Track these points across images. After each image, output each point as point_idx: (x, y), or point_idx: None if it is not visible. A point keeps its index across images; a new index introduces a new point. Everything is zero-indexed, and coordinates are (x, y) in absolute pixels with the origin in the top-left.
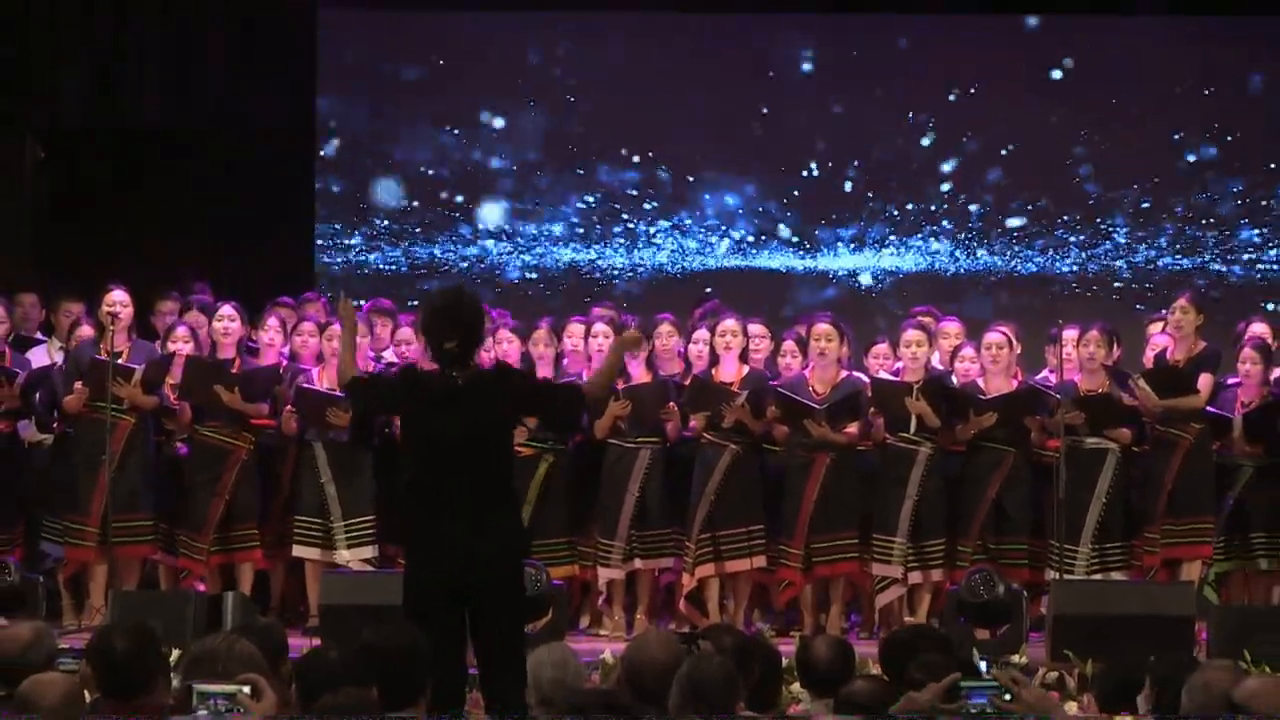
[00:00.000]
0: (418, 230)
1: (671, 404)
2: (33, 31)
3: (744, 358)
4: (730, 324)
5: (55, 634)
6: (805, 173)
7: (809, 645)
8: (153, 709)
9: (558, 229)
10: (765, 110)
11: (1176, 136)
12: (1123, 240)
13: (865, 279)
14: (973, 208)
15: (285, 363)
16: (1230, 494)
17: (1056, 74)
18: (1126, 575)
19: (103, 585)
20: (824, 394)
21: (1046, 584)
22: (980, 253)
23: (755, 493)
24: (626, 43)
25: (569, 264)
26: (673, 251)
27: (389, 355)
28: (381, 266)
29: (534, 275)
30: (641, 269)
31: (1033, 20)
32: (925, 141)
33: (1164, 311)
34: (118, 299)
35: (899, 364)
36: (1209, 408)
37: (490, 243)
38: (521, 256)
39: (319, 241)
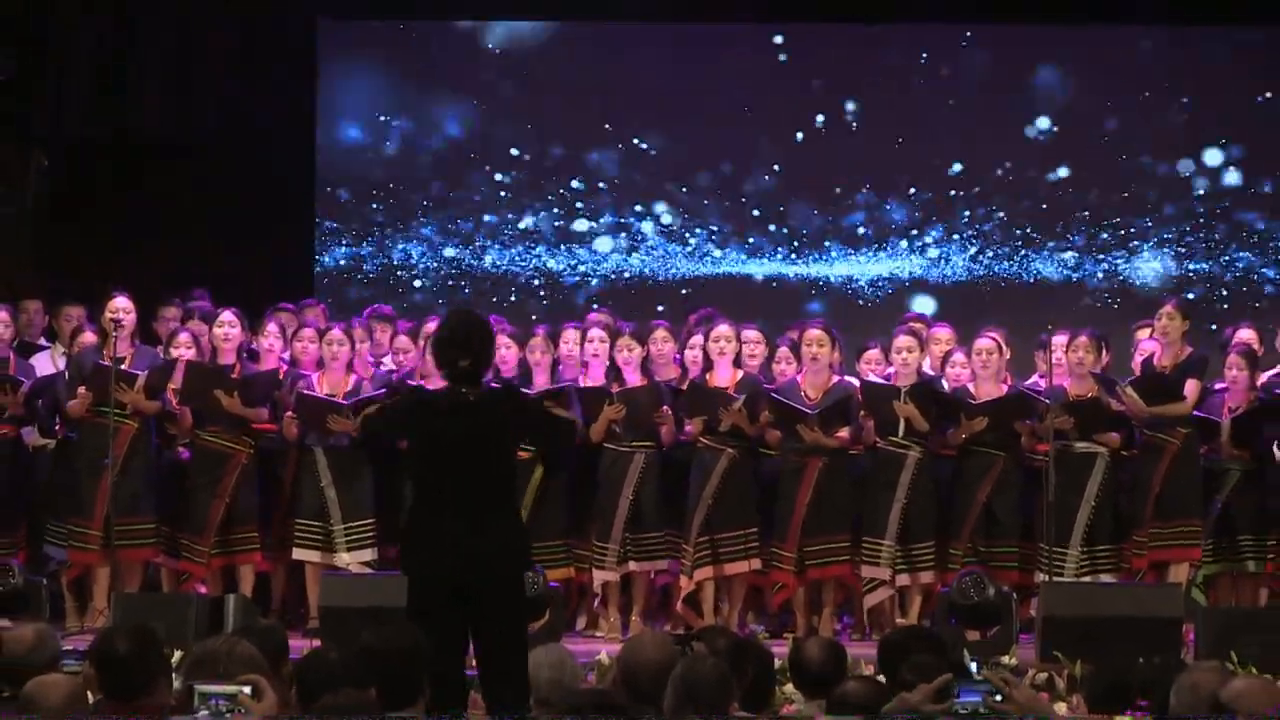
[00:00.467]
0: (416, 236)
1: (665, 408)
2: (37, 40)
3: (738, 363)
4: (724, 329)
5: (58, 636)
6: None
7: (801, 646)
8: (154, 709)
9: (555, 232)
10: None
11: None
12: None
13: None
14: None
15: (285, 368)
16: (1218, 498)
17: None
18: (1115, 577)
19: (105, 588)
20: (816, 399)
21: (1036, 586)
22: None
23: (751, 496)
24: (620, 48)
25: (562, 269)
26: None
27: (388, 362)
28: (381, 273)
29: (532, 280)
30: (633, 274)
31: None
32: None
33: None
34: (120, 306)
35: (891, 369)
36: (1196, 412)
37: (489, 248)
38: (520, 262)
39: (318, 247)
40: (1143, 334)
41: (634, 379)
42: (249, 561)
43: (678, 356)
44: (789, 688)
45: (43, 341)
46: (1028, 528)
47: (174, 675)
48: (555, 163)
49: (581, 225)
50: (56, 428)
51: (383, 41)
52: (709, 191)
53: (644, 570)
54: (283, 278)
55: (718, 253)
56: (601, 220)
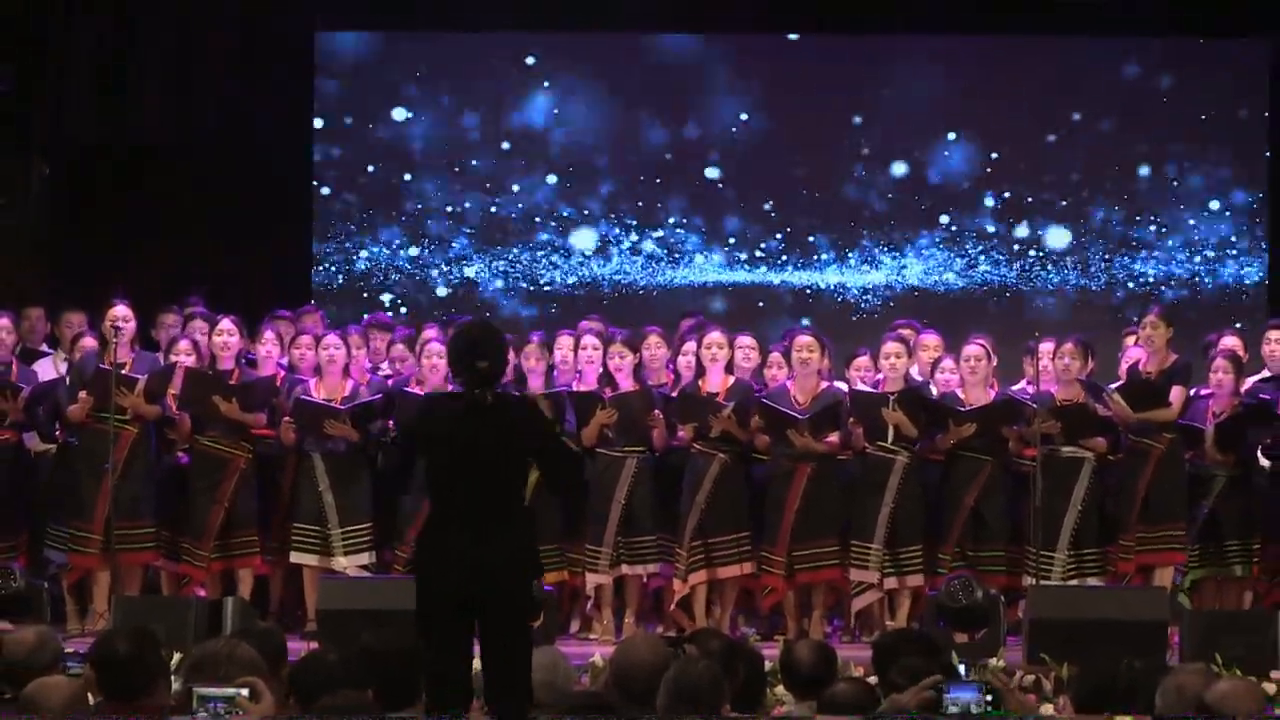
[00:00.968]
0: (412, 243)
1: (656, 412)
2: (36, 48)
3: (729, 369)
4: (716, 336)
5: (59, 638)
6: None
7: (792, 649)
8: (154, 710)
9: (549, 241)
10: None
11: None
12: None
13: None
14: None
15: (282, 374)
16: (1204, 503)
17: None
18: (1102, 581)
19: (106, 591)
20: (806, 404)
21: (1024, 589)
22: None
23: (743, 501)
24: (604, 60)
25: (559, 279)
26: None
27: (385, 369)
28: (378, 279)
29: (529, 288)
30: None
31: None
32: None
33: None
34: (120, 314)
35: (879, 375)
36: (1181, 418)
37: (484, 255)
38: (514, 269)
39: (316, 254)
40: (1132, 340)
41: (626, 385)
42: (248, 565)
43: (670, 363)
44: (780, 689)
45: (44, 348)
46: (1015, 531)
47: (173, 677)
48: (551, 170)
49: (582, 234)
50: (57, 433)
51: (378, 51)
52: (698, 200)
53: (636, 573)
54: (281, 282)
55: (700, 260)
56: (604, 230)
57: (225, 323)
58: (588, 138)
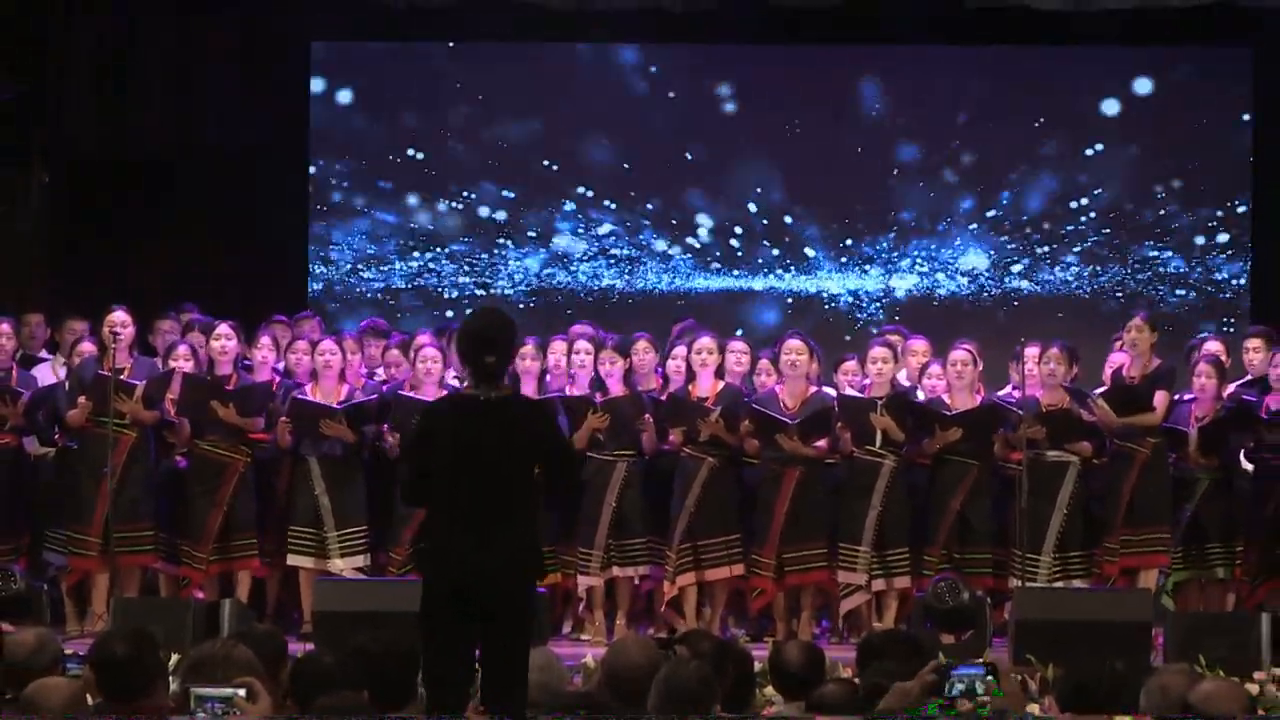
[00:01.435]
0: (407, 251)
1: (647, 416)
2: (39, 60)
3: (720, 374)
4: (706, 341)
5: (59, 639)
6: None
7: (781, 650)
8: (152, 711)
9: (545, 249)
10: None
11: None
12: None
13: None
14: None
15: (278, 379)
16: (1188, 506)
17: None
18: (1086, 583)
19: (104, 593)
20: (795, 409)
21: (1009, 591)
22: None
23: (732, 504)
24: (604, 71)
25: (556, 285)
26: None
27: (380, 374)
28: (374, 287)
29: (524, 295)
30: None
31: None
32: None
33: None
34: (118, 319)
35: (867, 380)
36: (1165, 422)
37: (477, 265)
38: (510, 277)
39: (313, 261)
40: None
41: (617, 389)
42: (247, 567)
43: (659, 368)
44: (769, 690)
45: (43, 354)
46: (1001, 534)
47: (171, 678)
48: (545, 179)
49: (576, 242)
50: (56, 437)
51: (375, 61)
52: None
53: (627, 575)
54: (278, 288)
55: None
56: (596, 237)
57: (223, 328)
58: (584, 143)
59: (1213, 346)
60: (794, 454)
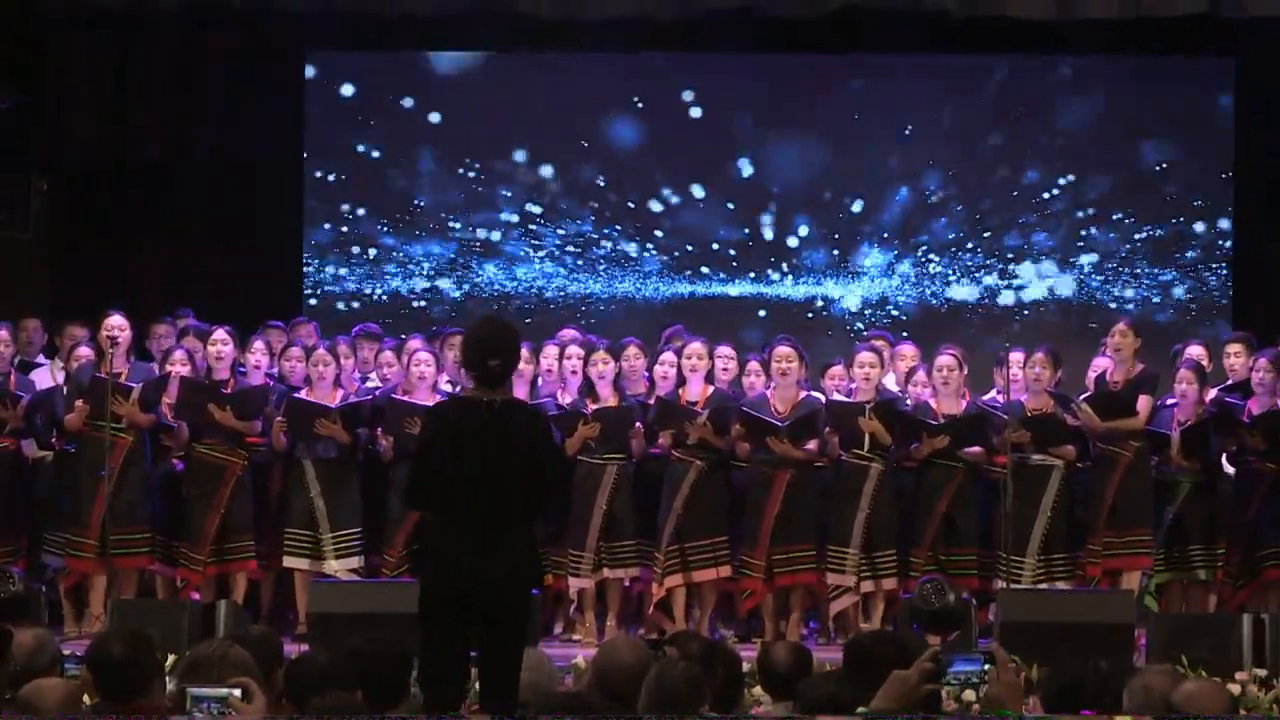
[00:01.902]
0: (402, 257)
1: (638, 424)
2: (39, 70)
3: (709, 379)
4: (696, 347)
5: (57, 640)
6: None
7: (769, 650)
8: (149, 711)
9: (537, 257)
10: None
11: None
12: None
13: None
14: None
15: (271, 384)
16: (1170, 508)
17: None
18: (1070, 584)
19: (102, 594)
20: (785, 412)
21: (994, 592)
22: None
23: (720, 506)
24: (593, 73)
25: (549, 291)
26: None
27: (374, 379)
28: (369, 292)
29: (515, 300)
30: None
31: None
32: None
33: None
34: (116, 323)
35: (853, 384)
36: (1148, 426)
37: (471, 272)
38: (504, 283)
39: (308, 267)
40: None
41: (607, 393)
42: (244, 569)
43: (647, 373)
44: (757, 690)
45: (41, 359)
46: (986, 536)
47: (167, 678)
48: (539, 187)
49: (568, 247)
50: (54, 440)
51: (369, 68)
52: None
53: (618, 577)
54: (274, 294)
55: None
56: (584, 243)
57: (220, 333)
58: (578, 147)
59: (1195, 352)
60: (784, 457)
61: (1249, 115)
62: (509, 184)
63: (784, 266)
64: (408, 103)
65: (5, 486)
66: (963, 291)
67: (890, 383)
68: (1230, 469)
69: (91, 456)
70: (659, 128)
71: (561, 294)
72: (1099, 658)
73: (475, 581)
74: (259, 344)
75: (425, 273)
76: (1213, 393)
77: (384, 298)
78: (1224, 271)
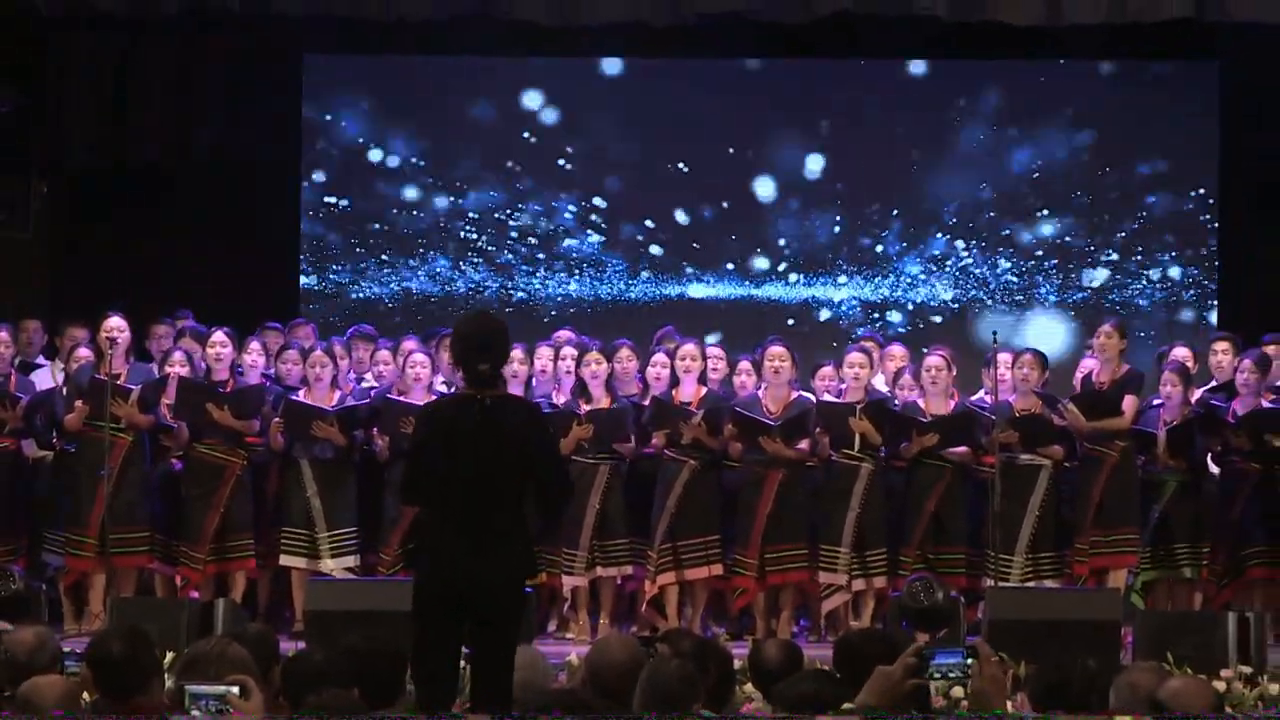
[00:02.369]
0: (399, 259)
1: (630, 435)
2: (40, 80)
3: (702, 379)
4: (690, 348)
5: (57, 638)
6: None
7: (760, 648)
8: (148, 708)
9: (530, 260)
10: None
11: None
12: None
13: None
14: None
15: (268, 384)
16: (1156, 507)
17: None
18: (1058, 583)
19: (101, 593)
20: (777, 413)
21: (983, 590)
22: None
23: (712, 506)
24: (591, 83)
25: (540, 294)
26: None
27: (369, 379)
28: (366, 294)
29: (507, 303)
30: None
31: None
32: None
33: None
34: (115, 325)
35: (843, 385)
36: (1134, 426)
37: (464, 274)
38: (501, 286)
39: (303, 272)
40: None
41: (599, 394)
42: (242, 568)
43: (639, 374)
44: (748, 687)
45: (41, 360)
46: (975, 535)
47: (166, 675)
48: (532, 190)
49: (559, 251)
50: (54, 441)
51: (366, 74)
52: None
53: (611, 575)
54: (271, 295)
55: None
56: (575, 245)
57: (218, 335)
58: (571, 152)
59: (1180, 353)
60: (776, 456)
61: (1234, 118)
62: (509, 186)
63: (780, 268)
64: (404, 105)
65: (6, 486)
66: (948, 294)
67: (879, 383)
68: (1215, 469)
69: (91, 456)
70: (655, 131)
71: (559, 295)
72: (1086, 655)
73: (469, 579)
74: (255, 345)
75: (422, 275)
76: (1198, 393)
77: (380, 299)
78: (1210, 273)
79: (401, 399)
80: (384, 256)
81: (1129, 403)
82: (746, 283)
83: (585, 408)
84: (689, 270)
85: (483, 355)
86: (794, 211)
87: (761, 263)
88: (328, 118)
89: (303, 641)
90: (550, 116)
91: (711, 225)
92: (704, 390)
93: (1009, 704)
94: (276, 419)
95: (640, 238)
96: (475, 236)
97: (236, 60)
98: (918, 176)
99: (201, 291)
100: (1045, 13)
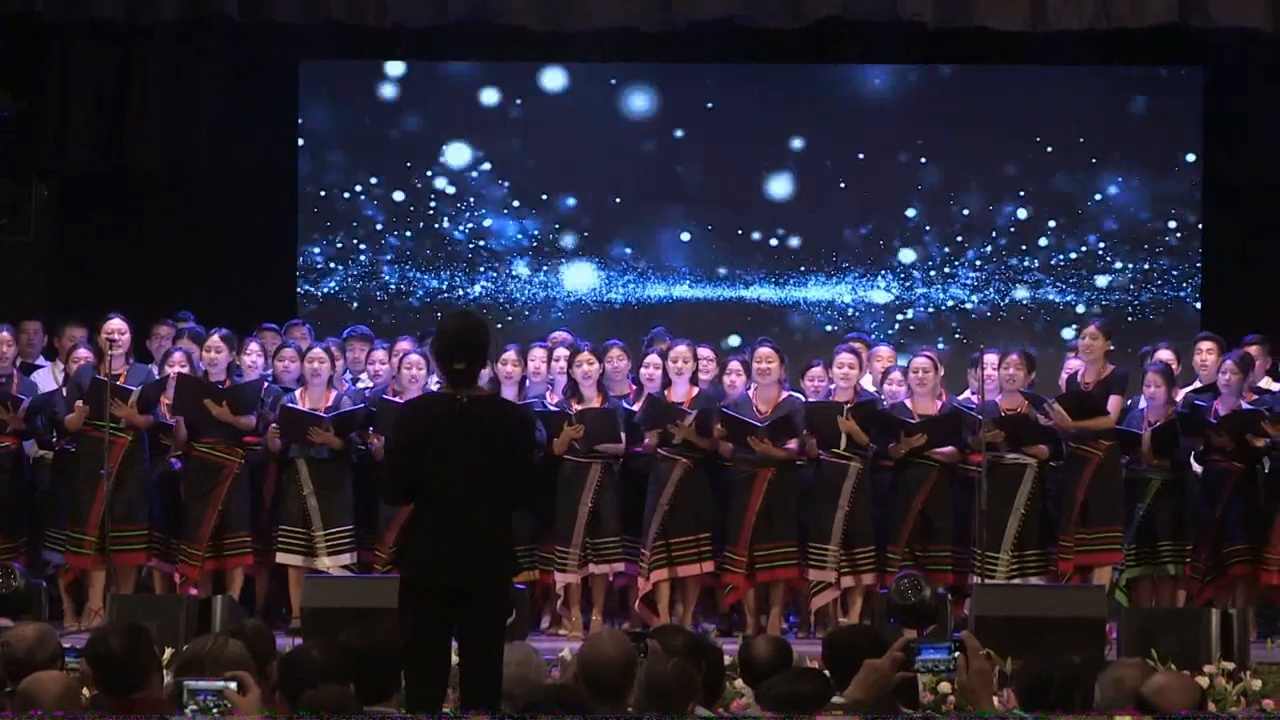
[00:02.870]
0: (394, 263)
1: (621, 439)
2: (41, 85)
3: (694, 380)
4: (682, 349)
5: (57, 635)
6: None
7: (751, 644)
8: (147, 704)
9: (524, 263)
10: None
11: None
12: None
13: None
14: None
15: (266, 385)
16: (1140, 505)
17: None
18: (1043, 580)
19: (101, 590)
20: (767, 413)
21: (969, 587)
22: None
23: (704, 504)
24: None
25: (534, 294)
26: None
27: (364, 378)
28: (361, 297)
29: (500, 303)
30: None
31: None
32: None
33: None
34: (115, 326)
35: (832, 385)
36: (1119, 426)
37: (458, 276)
38: (495, 287)
39: (300, 273)
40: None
41: (591, 394)
42: (240, 565)
43: (631, 375)
44: (739, 682)
45: (41, 360)
46: (961, 533)
47: (165, 671)
48: (525, 192)
49: (553, 253)
50: (55, 440)
51: (361, 79)
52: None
53: (603, 572)
54: (269, 300)
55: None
56: (571, 248)
57: (215, 337)
58: (567, 162)
59: (1164, 355)
60: (765, 456)
61: (1217, 122)
62: (505, 188)
63: (777, 271)
64: (399, 112)
65: (7, 485)
66: (943, 294)
67: (867, 383)
68: (1198, 468)
69: (91, 456)
70: (641, 135)
71: (554, 296)
72: (1071, 651)
73: (451, 572)
74: (255, 346)
75: (418, 276)
76: (1182, 394)
77: (376, 301)
78: (1194, 275)
79: (397, 399)
80: (382, 259)
81: (1114, 403)
82: (743, 284)
83: (576, 407)
84: (686, 271)
85: (459, 354)
86: (793, 211)
87: (755, 264)
88: (324, 122)
89: (299, 638)
90: (544, 120)
91: (705, 227)
92: (695, 390)
93: (995, 699)
94: (273, 425)
95: (634, 239)
96: (470, 239)
97: (235, 66)
98: (903, 181)
99: (199, 294)
100: (1030, 19)
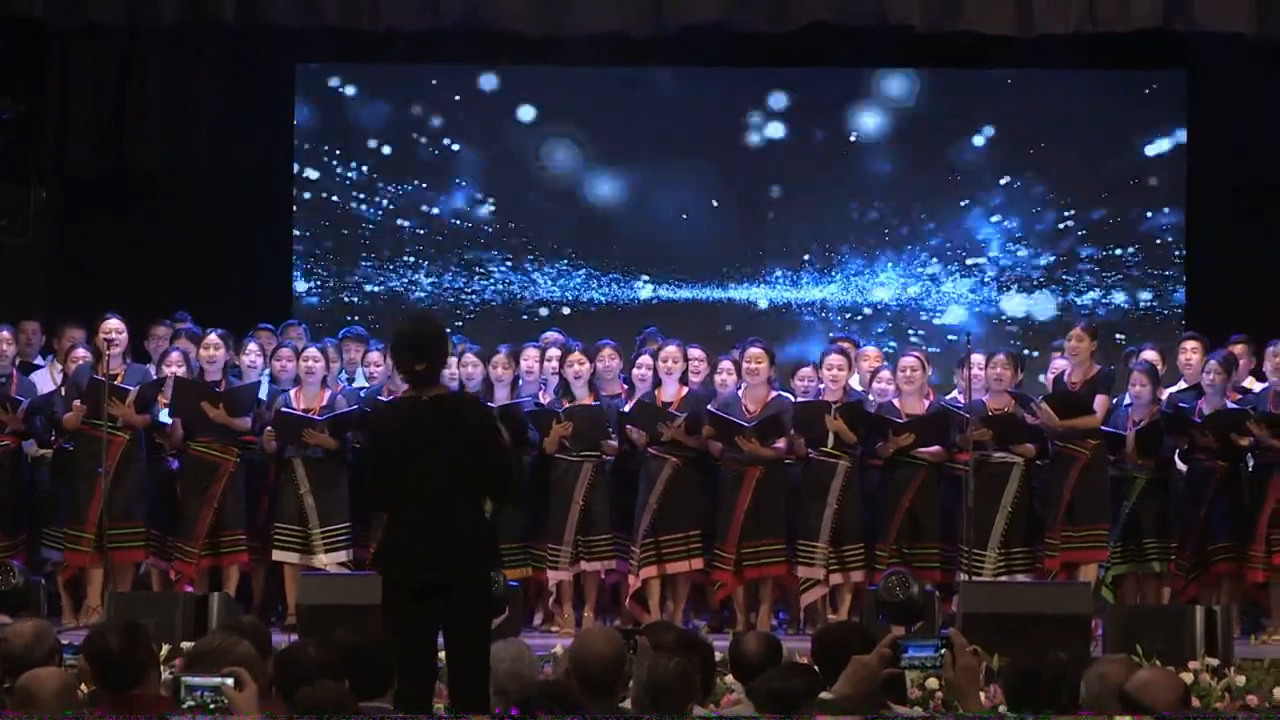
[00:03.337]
0: (390, 264)
1: (613, 438)
2: (40, 87)
3: (684, 380)
4: (672, 350)
5: (55, 632)
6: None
7: (741, 641)
8: (145, 700)
9: (519, 264)
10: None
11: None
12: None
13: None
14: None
15: (264, 385)
16: (1126, 504)
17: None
18: (1030, 577)
19: (99, 587)
20: (756, 412)
21: (957, 585)
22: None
23: (694, 502)
24: (577, 87)
25: (534, 294)
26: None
27: (360, 378)
28: (357, 298)
29: (500, 303)
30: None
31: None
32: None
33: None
34: (112, 326)
35: (821, 385)
36: (1104, 425)
37: (458, 276)
38: (489, 288)
39: (296, 275)
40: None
41: (583, 394)
42: (236, 562)
43: (623, 374)
44: (729, 678)
45: (39, 360)
46: (949, 531)
47: (163, 668)
48: (520, 193)
49: (547, 254)
50: (53, 439)
51: (357, 81)
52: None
53: (594, 570)
54: (266, 301)
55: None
56: (565, 250)
57: (212, 337)
58: (563, 168)
59: (1149, 355)
60: (753, 455)
61: (1202, 125)
62: (500, 190)
63: (776, 273)
64: (394, 114)
65: (6, 483)
66: (932, 296)
67: (855, 383)
68: (1183, 467)
69: (89, 455)
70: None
71: (549, 297)
72: (1057, 648)
73: (429, 567)
74: (253, 346)
75: (415, 277)
76: (1166, 394)
77: (372, 302)
78: (1179, 276)
79: (392, 399)
80: (376, 260)
81: (1100, 402)
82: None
83: (566, 406)
84: (682, 273)
85: (417, 356)
86: (789, 212)
87: (746, 265)
88: (320, 125)
89: (295, 635)
90: (539, 122)
91: (698, 228)
92: (685, 390)
93: (982, 695)
94: (269, 428)
95: (629, 241)
96: (465, 241)
97: (232, 70)
98: (894, 185)
99: (197, 294)
100: (1016, 23)
